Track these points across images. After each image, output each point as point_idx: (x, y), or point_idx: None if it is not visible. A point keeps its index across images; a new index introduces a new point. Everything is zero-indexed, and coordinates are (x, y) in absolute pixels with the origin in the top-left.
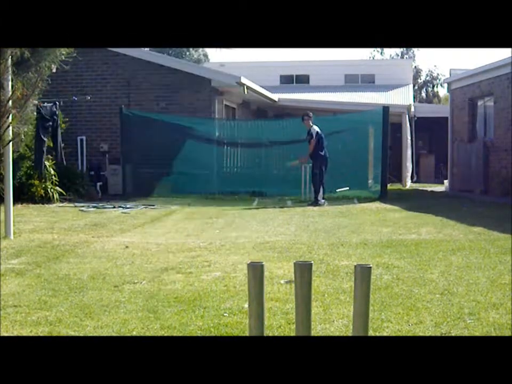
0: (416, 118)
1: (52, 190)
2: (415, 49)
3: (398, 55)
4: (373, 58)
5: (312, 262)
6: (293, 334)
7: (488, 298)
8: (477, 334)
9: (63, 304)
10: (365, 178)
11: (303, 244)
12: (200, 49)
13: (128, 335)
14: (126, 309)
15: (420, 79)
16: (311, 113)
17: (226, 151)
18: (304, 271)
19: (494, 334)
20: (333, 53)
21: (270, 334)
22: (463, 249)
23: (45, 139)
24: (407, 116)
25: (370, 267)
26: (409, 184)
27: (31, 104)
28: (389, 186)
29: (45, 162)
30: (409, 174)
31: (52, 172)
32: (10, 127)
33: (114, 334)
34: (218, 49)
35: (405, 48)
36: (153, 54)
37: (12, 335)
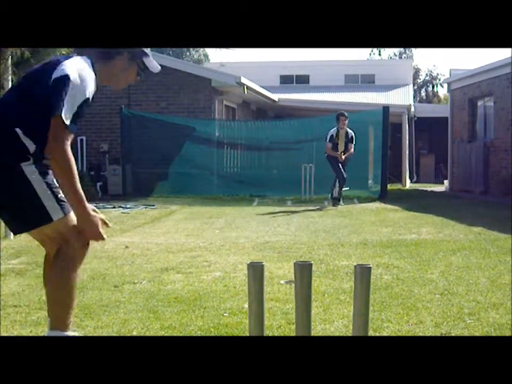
0: (416, 118)
1: None
2: (413, 49)
3: (396, 55)
4: (370, 58)
5: (312, 262)
6: (293, 334)
7: (488, 298)
8: (477, 334)
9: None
10: (365, 178)
11: (303, 244)
12: (200, 49)
13: (128, 335)
14: (126, 309)
15: (419, 79)
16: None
17: (226, 151)
18: (304, 271)
19: (494, 334)
20: (333, 53)
21: (270, 334)
22: (463, 249)
23: None
24: (407, 116)
25: (370, 267)
26: (409, 184)
27: None
28: (389, 186)
29: None
30: (407, 174)
31: None
32: None
33: (114, 334)
34: (218, 49)
35: (403, 48)
36: (153, 54)
37: (12, 335)
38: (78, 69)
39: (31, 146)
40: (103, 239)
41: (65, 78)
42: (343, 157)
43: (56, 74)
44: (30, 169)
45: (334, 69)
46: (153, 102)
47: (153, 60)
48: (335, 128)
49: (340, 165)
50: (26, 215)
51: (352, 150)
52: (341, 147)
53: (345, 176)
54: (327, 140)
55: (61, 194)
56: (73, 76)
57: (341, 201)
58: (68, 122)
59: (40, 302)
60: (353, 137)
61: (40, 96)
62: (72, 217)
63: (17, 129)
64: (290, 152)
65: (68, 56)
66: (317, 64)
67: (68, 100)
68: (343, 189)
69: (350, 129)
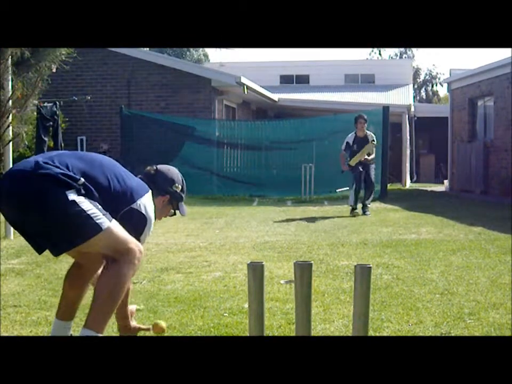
0: (416, 118)
1: None
2: (414, 49)
3: (397, 55)
4: (371, 58)
5: (312, 262)
6: (293, 334)
7: (488, 298)
8: (477, 334)
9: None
10: None
11: (303, 244)
12: (200, 49)
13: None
14: None
15: (419, 79)
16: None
17: (226, 151)
18: (304, 271)
19: (494, 334)
20: (333, 53)
21: (270, 334)
22: (463, 249)
23: (46, 139)
24: (407, 116)
25: (370, 267)
26: (409, 184)
27: (31, 104)
28: (389, 186)
29: None
30: (407, 174)
31: None
32: (10, 127)
33: (114, 334)
34: (218, 49)
35: (403, 48)
36: (153, 54)
37: (12, 335)
38: (152, 211)
39: (80, 188)
40: (135, 330)
41: (147, 221)
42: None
43: (136, 207)
44: (72, 193)
45: (334, 69)
46: (153, 102)
47: (184, 205)
48: (352, 133)
49: (360, 172)
50: (74, 230)
51: (373, 154)
52: (362, 155)
53: (369, 183)
54: (343, 148)
55: (100, 207)
56: (151, 220)
57: (359, 210)
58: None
59: (40, 302)
60: (375, 140)
61: (106, 193)
62: (117, 224)
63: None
64: (290, 152)
65: (144, 187)
66: (317, 64)
67: (142, 239)
68: (343, 189)
69: (369, 131)
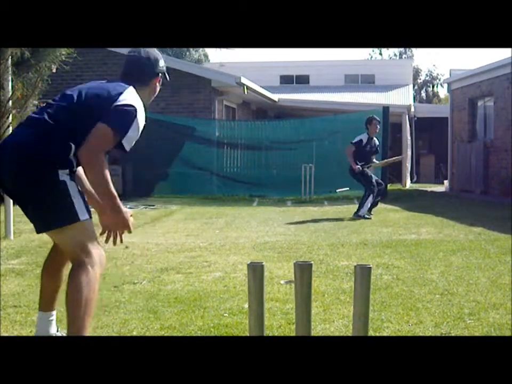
0: (416, 118)
1: None
2: (413, 49)
3: (396, 55)
4: (371, 58)
5: (312, 262)
6: (293, 334)
7: (488, 298)
8: (477, 334)
9: (62, 304)
10: None
11: (303, 244)
12: (200, 49)
13: (128, 335)
14: (126, 309)
15: (420, 79)
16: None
17: (226, 151)
18: (304, 271)
19: (494, 334)
20: (333, 53)
21: (270, 334)
22: (463, 250)
23: None
24: (407, 116)
25: (370, 267)
26: (409, 184)
27: (31, 105)
28: (389, 186)
29: None
30: (407, 174)
31: None
32: (10, 127)
33: (114, 334)
34: (218, 49)
35: (403, 48)
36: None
37: (12, 335)
38: (137, 100)
39: (74, 164)
40: (130, 231)
41: (134, 109)
42: (373, 166)
43: (120, 102)
44: (64, 174)
45: (334, 69)
46: (153, 102)
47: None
48: (365, 133)
49: (371, 175)
50: (57, 213)
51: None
52: (388, 162)
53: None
54: (354, 143)
55: (86, 199)
56: (138, 108)
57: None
58: (127, 148)
59: None
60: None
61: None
62: (91, 225)
63: (73, 145)
64: (290, 152)
65: (121, 85)
66: (317, 64)
67: (133, 129)
68: (343, 189)
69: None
